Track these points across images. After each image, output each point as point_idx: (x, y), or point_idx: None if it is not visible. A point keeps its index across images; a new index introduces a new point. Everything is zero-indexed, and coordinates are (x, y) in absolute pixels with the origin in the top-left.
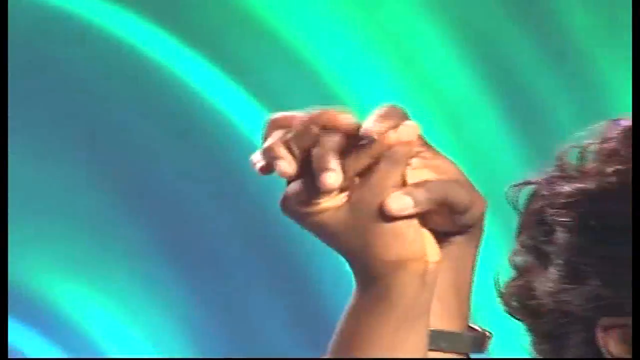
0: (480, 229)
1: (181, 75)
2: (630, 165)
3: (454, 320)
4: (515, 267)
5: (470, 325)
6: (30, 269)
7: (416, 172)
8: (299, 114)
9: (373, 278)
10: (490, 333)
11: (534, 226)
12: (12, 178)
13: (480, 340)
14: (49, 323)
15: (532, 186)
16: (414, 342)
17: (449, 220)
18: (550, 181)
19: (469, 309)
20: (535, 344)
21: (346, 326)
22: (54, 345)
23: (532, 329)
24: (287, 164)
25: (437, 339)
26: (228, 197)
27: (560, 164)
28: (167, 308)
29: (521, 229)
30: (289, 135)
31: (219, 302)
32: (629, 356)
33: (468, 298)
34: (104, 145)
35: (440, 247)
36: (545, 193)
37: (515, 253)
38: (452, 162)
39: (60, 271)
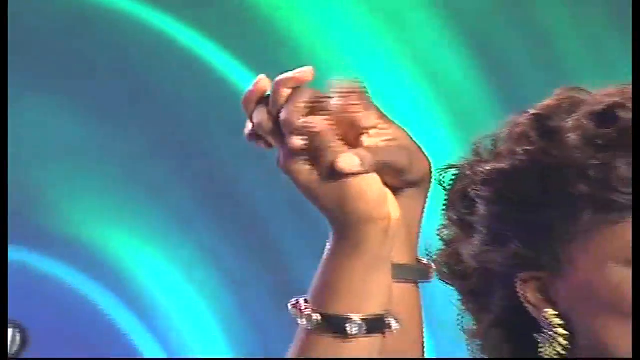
0: (427, 183)
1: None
2: (538, 146)
3: (405, 255)
4: (444, 239)
5: (417, 258)
6: (90, 221)
7: (371, 139)
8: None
9: (347, 232)
10: (432, 265)
11: (459, 202)
12: (83, 141)
13: (425, 271)
14: (105, 271)
15: (457, 169)
16: (381, 282)
17: (397, 179)
18: (471, 164)
19: (417, 245)
20: (464, 302)
21: (325, 270)
22: (110, 292)
23: (460, 290)
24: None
25: (394, 270)
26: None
27: (477, 150)
28: (215, 261)
29: (447, 206)
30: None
31: (260, 254)
32: (544, 305)
33: (417, 237)
34: (162, 119)
35: (395, 199)
36: (467, 174)
37: (443, 227)
38: (403, 131)
39: (118, 224)
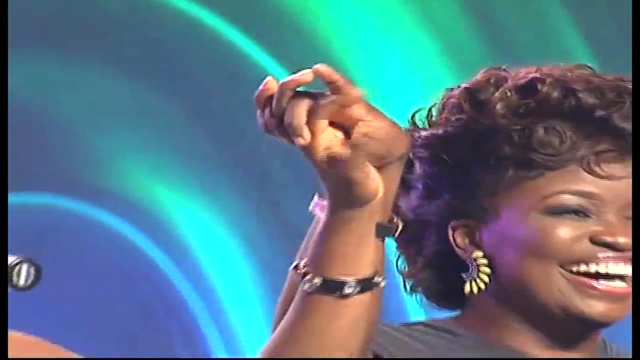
0: (401, 160)
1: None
2: (469, 115)
3: (384, 216)
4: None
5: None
6: (143, 179)
7: (359, 129)
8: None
9: (344, 209)
10: (400, 222)
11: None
12: (142, 110)
13: (396, 227)
14: (154, 225)
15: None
16: (370, 249)
17: (379, 163)
18: (409, 131)
19: (391, 208)
20: (400, 248)
21: (322, 239)
22: (157, 244)
23: (397, 239)
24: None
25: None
26: None
27: (414, 120)
28: (255, 214)
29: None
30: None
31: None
32: (472, 248)
33: (391, 200)
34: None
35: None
36: (411, 134)
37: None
38: (386, 120)
39: (167, 181)
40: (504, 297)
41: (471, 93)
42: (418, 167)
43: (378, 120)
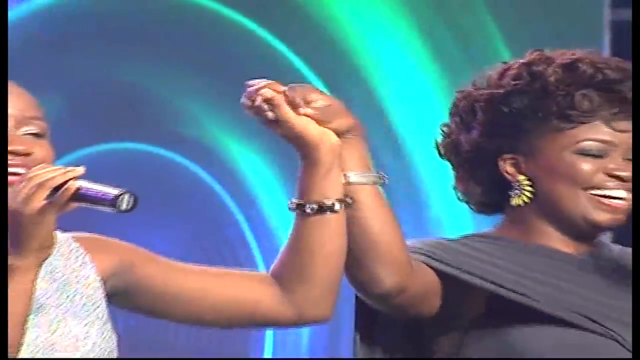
0: (357, 131)
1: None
2: (525, 81)
3: (358, 167)
4: (445, 132)
5: (370, 170)
6: (214, 131)
7: (311, 106)
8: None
9: (308, 154)
10: (383, 175)
11: (465, 110)
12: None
13: (380, 177)
14: (221, 168)
15: (463, 92)
16: (337, 180)
17: (330, 128)
18: (475, 89)
19: (367, 165)
20: (456, 177)
21: (304, 179)
22: (222, 183)
23: (455, 163)
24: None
25: (354, 178)
26: None
27: (475, 83)
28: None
29: (453, 113)
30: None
31: None
32: (518, 174)
33: (364, 160)
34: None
35: (341, 140)
36: (473, 94)
37: (445, 125)
38: (333, 100)
39: (233, 133)
40: (541, 210)
41: (529, 66)
42: (479, 114)
43: (327, 100)
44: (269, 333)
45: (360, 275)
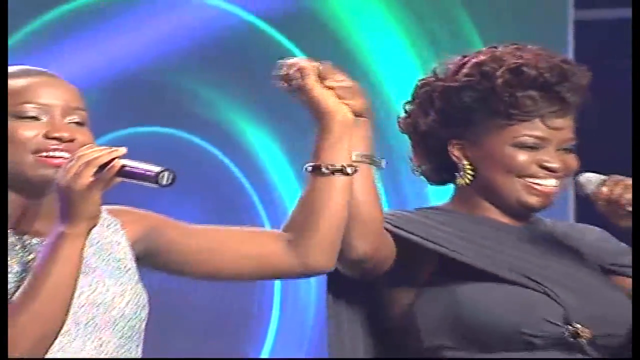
0: (367, 115)
1: None
2: (476, 79)
3: (361, 148)
4: (407, 111)
5: (371, 154)
6: (231, 115)
7: (332, 82)
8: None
9: (322, 123)
10: (382, 160)
11: (423, 97)
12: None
13: (377, 162)
14: (236, 148)
15: (424, 81)
16: (346, 149)
17: (348, 105)
18: (434, 79)
19: (369, 147)
20: (413, 152)
21: (319, 146)
22: (236, 165)
23: (413, 139)
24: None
25: (355, 156)
26: None
27: (436, 72)
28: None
29: (414, 98)
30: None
31: None
32: (463, 158)
33: (368, 142)
34: None
35: (354, 119)
36: (431, 84)
37: (407, 103)
38: (351, 81)
39: (251, 119)
40: (482, 191)
41: (480, 66)
42: (435, 102)
43: (346, 79)
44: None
45: (350, 232)
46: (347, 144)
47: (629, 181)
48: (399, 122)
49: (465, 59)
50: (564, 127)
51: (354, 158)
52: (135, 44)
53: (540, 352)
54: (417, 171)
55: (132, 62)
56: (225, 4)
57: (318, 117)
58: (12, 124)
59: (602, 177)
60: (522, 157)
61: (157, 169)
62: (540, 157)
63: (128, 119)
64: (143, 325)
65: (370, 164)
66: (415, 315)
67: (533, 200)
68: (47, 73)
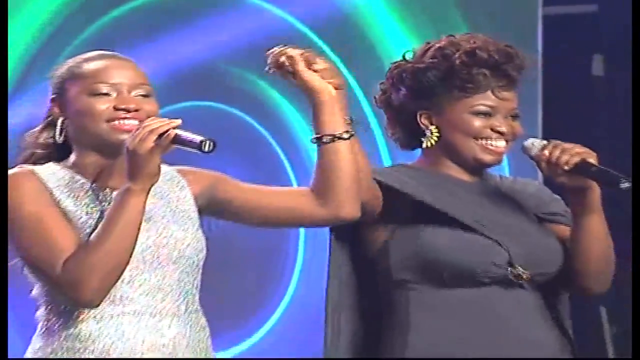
0: (345, 91)
1: None
2: (438, 60)
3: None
4: (382, 89)
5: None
6: (269, 90)
7: (316, 65)
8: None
9: (313, 97)
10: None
11: (396, 76)
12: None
13: (354, 120)
14: (270, 117)
15: (398, 63)
16: (340, 117)
17: (330, 82)
18: (404, 62)
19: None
20: (388, 123)
21: (313, 120)
22: (271, 134)
23: (388, 116)
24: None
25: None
26: None
27: (405, 57)
28: None
29: (388, 77)
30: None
31: None
32: (429, 124)
33: (344, 111)
34: None
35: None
36: (402, 66)
37: (382, 83)
38: (332, 64)
39: (284, 94)
40: (445, 151)
41: (442, 50)
42: (406, 80)
43: (327, 63)
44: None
45: None
46: (338, 115)
47: (566, 145)
48: (375, 99)
49: (429, 45)
50: (510, 98)
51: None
52: (196, 37)
53: (485, 288)
54: (392, 138)
55: (194, 53)
56: (274, 8)
57: (309, 95)
58: (87, 99)
59: (544, 142)
60: (478, 122)
61: (200, 138)
62: (492, 122)
63: (189, 96)
64: (200, 264)
65: (349, 124)
66: (388, 251)
67: (487, 158)
68: (117, 56)
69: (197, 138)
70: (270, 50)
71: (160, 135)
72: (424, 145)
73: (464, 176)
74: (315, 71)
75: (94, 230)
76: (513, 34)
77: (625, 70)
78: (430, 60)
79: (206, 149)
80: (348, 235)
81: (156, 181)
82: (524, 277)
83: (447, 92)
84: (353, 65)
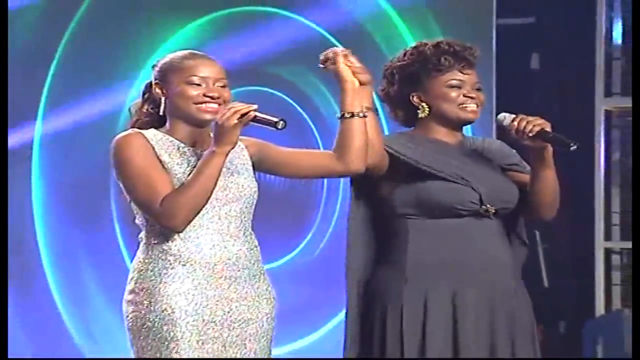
0: (371, 87)
1: None
2: (415, 57)
3: (369, 103)
4: (382, 87)
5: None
6: (311, 78)
7: (349, 63)
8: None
9: (343, 85)
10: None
11: (389, 71)
12: None
13: (376, 107)
14: (307, 100)
15: (388, 64)
16: (358, 102)
17: (359, 79)
18: (393, 60)
19: (371, 102)
20: (390, 109)
21: (340, 102)
22: (306, 113)
23: (388, 105)
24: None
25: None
26: None
27: (395, 56)
28: None
29: (384, 75)
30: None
31: None
32: (421, 101)
33: (372, 101)
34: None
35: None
36: (392, 62)
37: (382, 83)
38: (361, 63)
39: (323, 83)
40: (435, 119)
41: (417, 48)
42: (396, 75)
43: (358, 61)
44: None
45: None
46: (357, 100)
47: (530, 118)
48: (377, 95)
49: (406, 49)
50: (472, 74)
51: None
52: (245, 42)
53: (464, 219)
54: (394, 120)
55: (253, 53)
56: (307, 21)
57: (340, 83)
58: (184, 86)
59: (513, 115)
60: (454, 93)
61: (276, 118)
62: (463, 92)
63: (243, 81)
64: (255, 202)
65: (374, 110)
66: (394, 195)
67: (466, 116)
68: (207, 56)
69: (273, 118)
70: (324, 52)
71: (243, 115)
72: (419, 117)
73: (448, 139)
74: (349, 67)
75: (185, 177)
76: (475, 38)
77: (556, 65)
78: (410, 56)
79: (279, 127)
80: (364, 185)
81: (233, 148)
82: (491, 210)
83: (427, 75)
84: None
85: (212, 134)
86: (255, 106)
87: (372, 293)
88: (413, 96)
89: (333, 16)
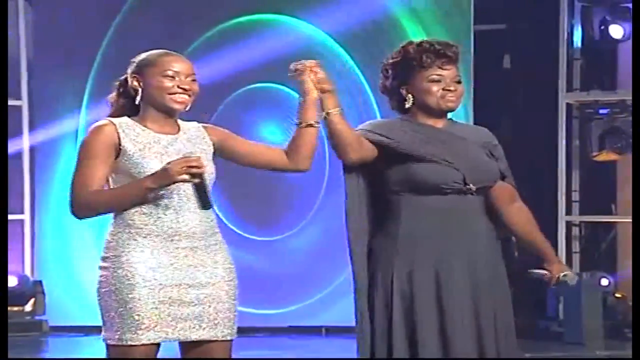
0: (335, 91)
1: None
2: (403, 54)
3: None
4: (381, 82)
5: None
6: None
7: (314, 76)
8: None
9: (303, 96)
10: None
11: (385, 67)
12: None
13: (341, 109)
14: None
15: (384, 62)
16: (313, 114)
17: (322, 90)
18: (388, 57)
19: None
20: (389, 98)
21: (297, 111)
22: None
23: (386, 95)
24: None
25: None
26: None
27: (388, 54)
28: None
29: (381, 70)
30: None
31: None
32: (407, 94)
33: (339, 103)
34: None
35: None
36: (387, 59)
37: (380, 78)
38: (324, 73)
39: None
40: (419, 107)
41: (404, 47)
42: (389, 71)
43: (323, 73)
44: None
45: (339, 151)
46: (313, 112)
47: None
48: (379, 87)
49: (397, 49)
50: (452, 69)
51: (332, 112)
52: (250, 48)
53: (448, 196)
54: (391, 108)
55: (261, 58)
56: (310, 26)
57: (302, 95)
58: (159, 79)
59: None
60: (435, 87)
61: (206, 201)
62: (443, 85)
63: (250, 78)
64: (211, 184)
65: (340, 113)
66: (388, 174)
67: (447, 105)
68: (178, 54)
69: (205, 197)
70: (294, 63)
71: (192, 175)
72: (406, 107)
73: (435, 123)
74: (313, 79)
75: (140, 157)
76: (456, 42)
77: (525, 65)
78: (398, 54)
79: (200, 206)
80: (355, 169)
81: (162, 187)
82: (472, 189)
83: (413, 71)
84: (367, 67)
85: (178, 121)
86: (208, 174)
87: (369, 259)
88: (403, 89)
89: (336, 19)
